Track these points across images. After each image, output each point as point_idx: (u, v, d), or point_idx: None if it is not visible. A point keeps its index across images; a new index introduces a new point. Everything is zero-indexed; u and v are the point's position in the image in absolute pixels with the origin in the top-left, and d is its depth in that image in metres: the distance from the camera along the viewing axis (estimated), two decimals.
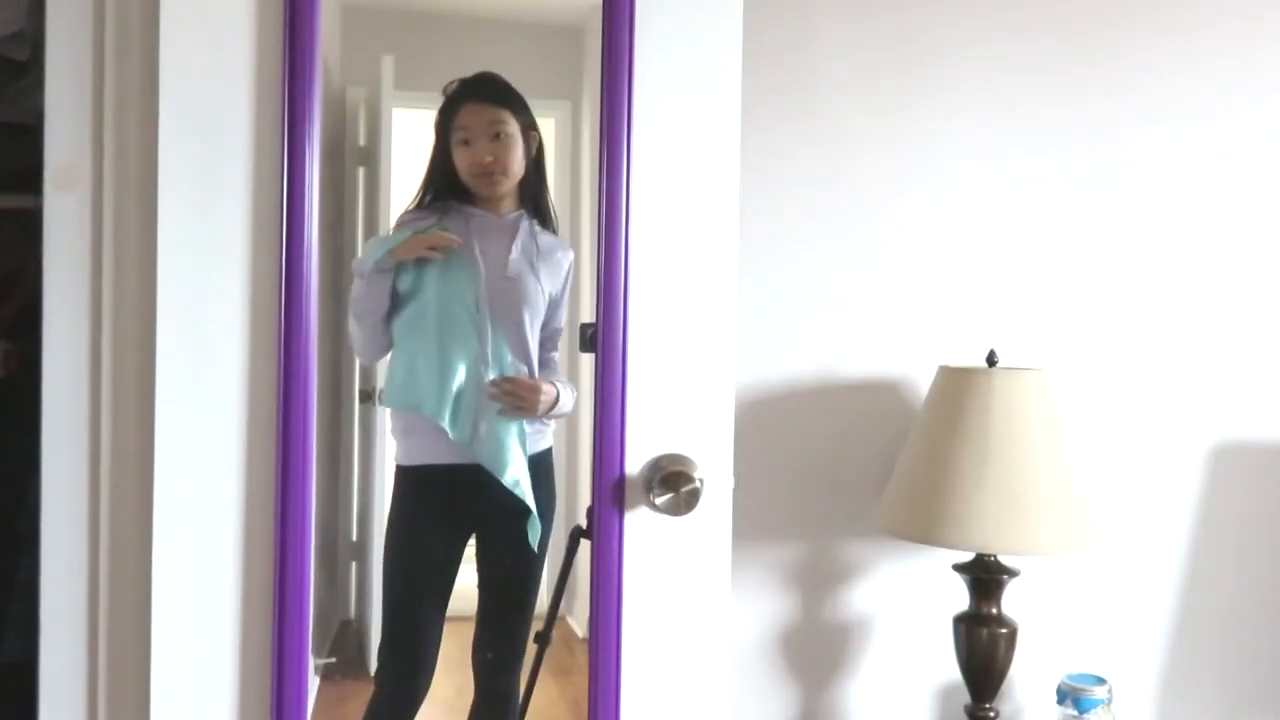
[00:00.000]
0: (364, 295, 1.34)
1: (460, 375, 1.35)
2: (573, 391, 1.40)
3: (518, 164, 1.38)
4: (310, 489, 1.21)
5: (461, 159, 1.36)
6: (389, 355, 1.38)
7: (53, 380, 1.27)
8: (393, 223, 1.39)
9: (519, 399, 1.36)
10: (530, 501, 1.37)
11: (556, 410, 1.39)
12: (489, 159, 1.36)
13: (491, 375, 1.36)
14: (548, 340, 1.40)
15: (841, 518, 1.60)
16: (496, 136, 1.36)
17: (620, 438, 1.27)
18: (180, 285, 1.20)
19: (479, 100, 1.37)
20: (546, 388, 1.38)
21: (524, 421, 1.37)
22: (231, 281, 1.22)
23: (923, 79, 1.61)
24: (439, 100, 1.38)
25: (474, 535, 1.42)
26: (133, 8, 1.26)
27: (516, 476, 1.37)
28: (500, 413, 1.36)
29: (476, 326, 1.36)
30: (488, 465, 1.36)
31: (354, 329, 1.36)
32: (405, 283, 1.35)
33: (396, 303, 1.35)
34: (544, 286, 1.39)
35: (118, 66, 1.27)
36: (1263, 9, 1.73)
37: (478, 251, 1.36)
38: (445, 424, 1.34)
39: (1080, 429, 1.66)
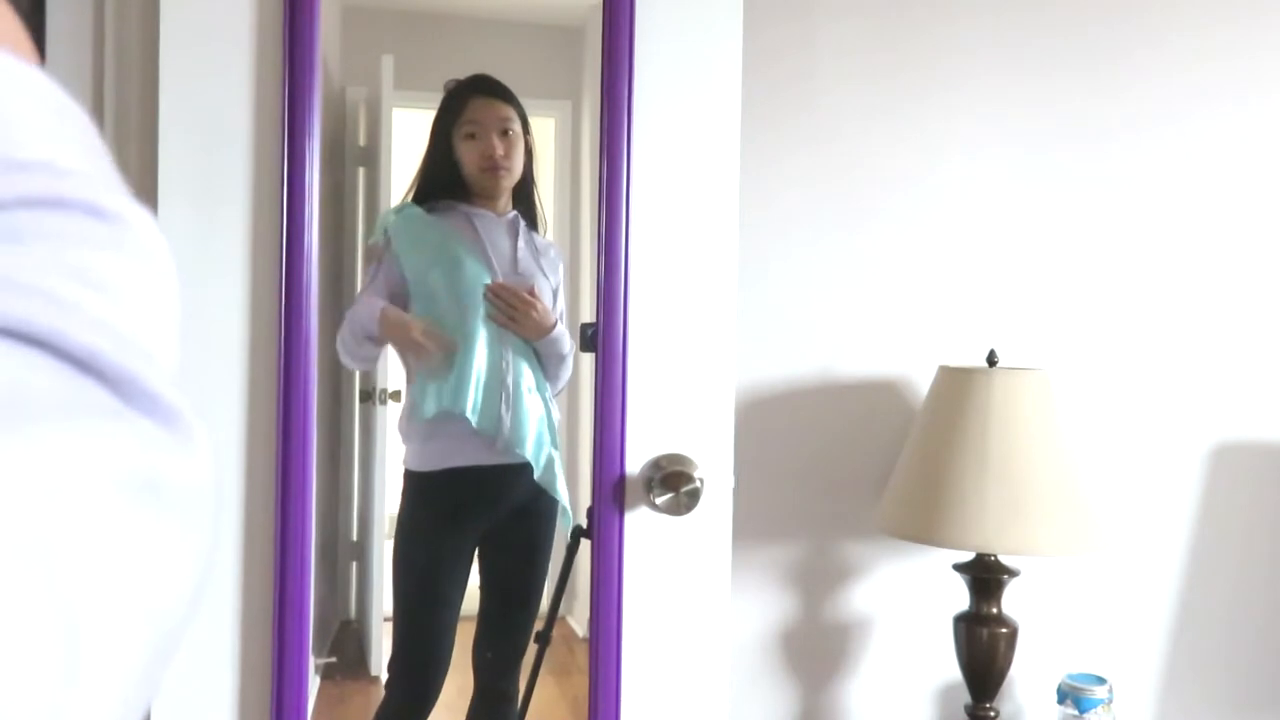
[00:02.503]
0: (361, 317, 1.34)
1: (504, 374, 1.35)
2: (572, 340, 1.39)
3: (520, 162, 1.38)
4: (310, 489, 1.21)
5: (469, 152, 1.36)
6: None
7: None
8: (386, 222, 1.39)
9: (512, 309, 1.35)
10: (563, 494, 1.38)
11: (552, 339, 1.37)
12: (500, 152, 1.36)
13: (519, 371, 1.36)
14: None
15: (841, 518, 1.60)
16: (504, 133, 1.36)
17: (620, 438, 1.27)
18: (180, 286, 1.20)
19: (488, 95, 1.37)
20: (542, 308, 1.36)
21: (549, 412, 1.38)
22: (231, 282, 1.22)
23: (923, 79, 1.61)
24: (439, 100, 1.38)
25: (480, 536, 1.43)
26: (133, 8, 1.26)
27: (551, 472, 1.38)
28: (489, 316, 1.34)
29: (500, 324, 1.36)
30: (529, 457, 1.36)
31: (346, 339, 1.35)
32: (419, 288, 1.34)
33: (411, 307, 1.35)
34: (550, 280, 1.40)
35: (118, 66, 1.27)
36: (1264, 9, 1.73)
37: (489, 249, 1.36)
38: (474, 419, 1.34)
39: (1080, 429, 1.66)
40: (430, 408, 1.34)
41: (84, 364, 0.27)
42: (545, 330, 1.36)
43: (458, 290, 1.35)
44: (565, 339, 1.38)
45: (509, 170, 1.37)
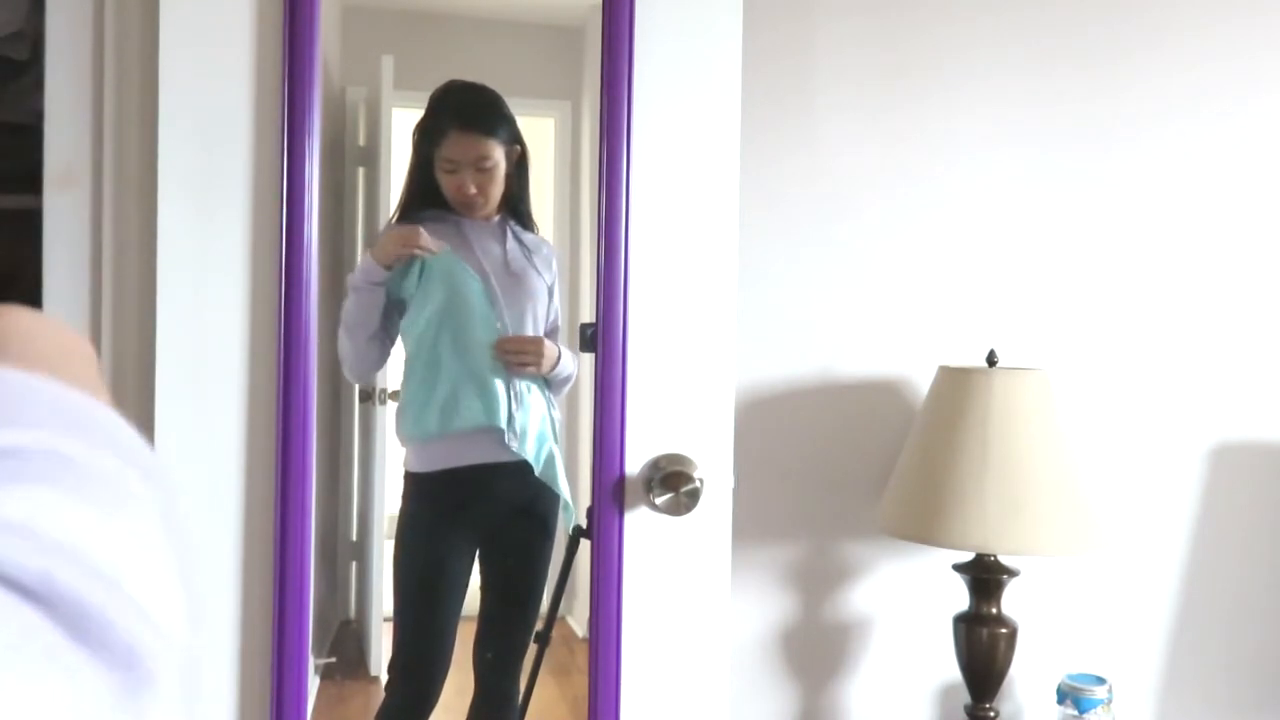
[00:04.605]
0: (354, 307, 1.34)
1: (499, 376, 1.36)
2: (574, 356, 1.41)
3: (499, 189, 1.39)
4: (310, 489, 1.21)
5: (447, 184, 1.37)
6: (408, 370, 1.38)
7: None
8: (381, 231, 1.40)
9: (523, 355, 1.37)
10: (563, 489, 1.38)
11: (560, 369, 1.40)
12: (473, 190, 1.37)
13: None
14: (550, 335, 1.41)
15: (841, 518, 1.60)
16: (481, 169, 1.37)
17: (620, 438, 1.27)
18: (180, 285, 1.20)
19: (466, 130, 1.37)
20: (548, 344, 1.40)
21: (551, 410, 1.38)
22: (231, 281, 1.22)
23: (922, 79, 1.61)
24: None
25: (480, 537, 1.43)
26: (133, 7, 1.26)
27: (552, 468, 1.38)
28: (510, 371, 1.36)
29: (498, 324, 1.36)
30: (530, 455, 1.37)
31: (344, 344, 1.35)
32: (410, 292, 1.34)
33: (404, 314, 1.35)
34: (544, 278, 1.41)
35: (118, 66, 1.27)
36: (1263, 8, 1.73)
37: (479, 253, 1.37)
38: (502, 424, 1.35)
39: (1080, 429, 1.66)
40: (461, 421, 1.36)
41: (32, 591, 0.25)
42: (553, 364, 1.40)
43: (456, 298, 1.36)
44: (569, 363, 1.40)
45: (485, 203, 1.38)
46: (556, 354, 1.40)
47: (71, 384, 0.34)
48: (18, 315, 0.39)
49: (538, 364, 1.38)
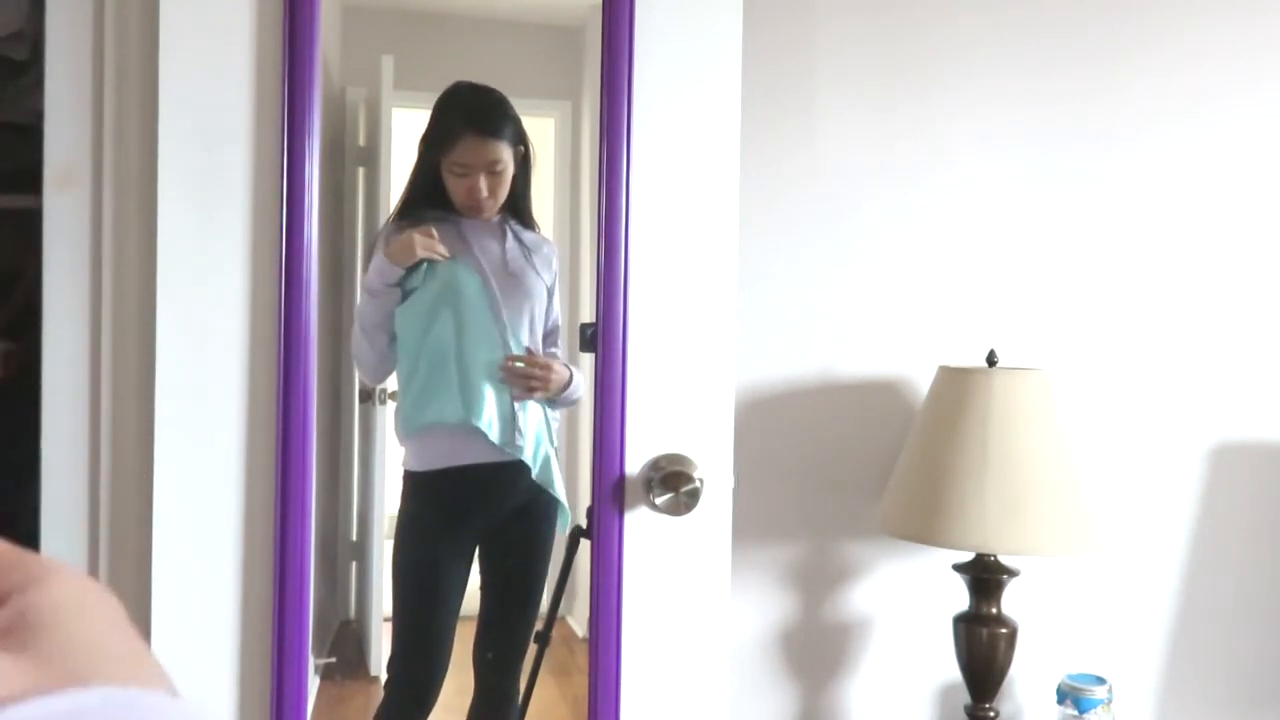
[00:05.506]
0: (372, 311, 1.34)
1: (492, 376, 1.36)
2: (581, 376, 1.40)
3: (505, 192, 1.38)
4: (310, 489, 1.21)
5: (456, 187, 1.36)
6: (405, 368, 1.37)
7: (53, 380, 1.27)
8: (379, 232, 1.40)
9: (531, 378, 1.37)
10: (560, 492, 1.38)
11: (569, 393, 1.39)
12: (485, 193, 1.36)
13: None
14: (549, 335, 1.41)
15: (841, 518, 1.60)
16: (494, 172, 1.37)
17: (620, 438, 1.27)
18: (180, 285, 1.20)
19: (478, 134, 1.37)
20: (559, 367, 1.39)
21: (547, 412, 1.38)
22: (231, 281, 1.22)
23: (923, 78, 1.61)
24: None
25: (480, 536, 1.43)
26: (133, 7, 1.26)
27: (548, 471, 1.38)
28: (514, 396, 1.36)
29: (495, 324, 1.36)
30: (527, 457, 1.36)
31: (363, 349, 1.35)
32: (411, 286, 1.35)
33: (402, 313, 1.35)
34: (543, 279, 1.40)
35: (118, 66, 1.27)
36: (1263, 7, 1.73)
37: (477, 253, 1.37)
38: (484, 426, 1.34)
39: (1080, 429, 1.66)
40: (432, 415, 1.35)
41: None
42: (562, 388, 1.39)
43: (453, 297, 1.36)
44: (579, 386, 1.39)
45: (494, 205, 1.38)
46: (567, 377, 1.39)
47: (138, 672, 0.32)
48: (63, 588, 0.33)
49: (545, 389, 1.37)
